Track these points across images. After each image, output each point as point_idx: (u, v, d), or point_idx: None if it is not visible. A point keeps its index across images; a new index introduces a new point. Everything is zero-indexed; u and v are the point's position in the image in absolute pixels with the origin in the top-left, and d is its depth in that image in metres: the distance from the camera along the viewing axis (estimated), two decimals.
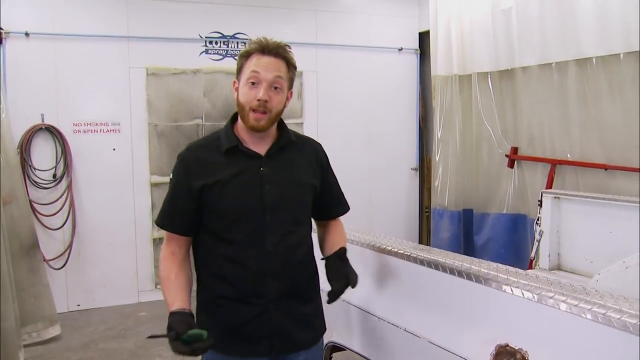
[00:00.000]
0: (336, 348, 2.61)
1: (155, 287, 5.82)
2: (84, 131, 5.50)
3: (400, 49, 6.73)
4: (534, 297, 1.53)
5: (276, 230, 1.96)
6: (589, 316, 1.39)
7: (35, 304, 4.74)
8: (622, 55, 4.40)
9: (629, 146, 4.41)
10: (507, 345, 1.60)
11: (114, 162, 5.64)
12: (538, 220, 4.07)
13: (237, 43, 6.02)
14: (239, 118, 2.00)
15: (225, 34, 5.98)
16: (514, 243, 5.50)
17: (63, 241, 5.45)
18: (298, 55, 2.03)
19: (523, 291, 1.57)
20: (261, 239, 1.95)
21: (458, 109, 5.99)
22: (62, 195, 5.39)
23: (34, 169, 5.28)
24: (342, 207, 2.22)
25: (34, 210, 5.20)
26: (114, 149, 5.64)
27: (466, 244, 5.95)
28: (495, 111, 5.67)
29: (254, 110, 1.90)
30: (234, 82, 1.99)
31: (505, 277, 1.66)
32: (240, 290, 1.97)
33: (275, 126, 2.02)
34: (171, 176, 2.03)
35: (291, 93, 2.03)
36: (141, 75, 5.67)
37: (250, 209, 1.94)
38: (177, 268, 1.97)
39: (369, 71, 6.63)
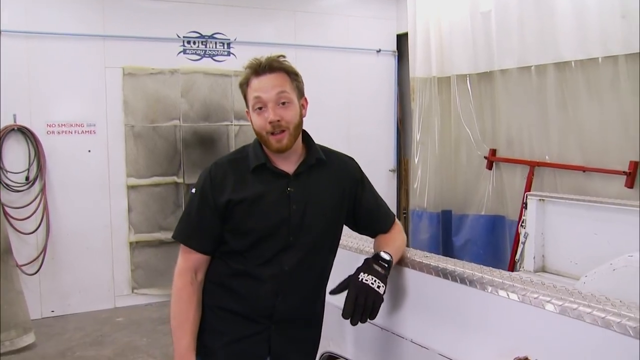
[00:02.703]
0: (332, 358, 2.57)
1: (132, 291, 5.71)
2: (58, 132, 5.36)
3: (379, 51, 6.74)
4: (555, 308, 1.52)
5: (296, 251, 1.92)
6: (616, 329, 1.38)
7: (8, 312, 4.59)
8: (600, 60, 4.48)
9: (606, 149, 4.50)
10: (526, 358, 1.59)
11: (90, 164, 5.51)
12: (523, 222, 4.11)
13: (216, 43, 5.94)
14: None
15: (203, 33, 5.89)
16: (492, 244, 5.55)
17: (36, 245, 5.30)
18: None
19: (543, 302, 1.55)
20: (280, 258, 1.91)
21: (437, 111, 6.00)
22: (36, 198, 5.24)
23: (6, 171, 5.14)
24: (383, 222, 2.12)
25: (6, 214, 5.05)
26: (89, 151, 5.51)
27: (445, 245, 5.97)
28: (474, 113, 5.69)
29: (272, 134, 1.85)
30: (247, 112, 1.94)
31: (522, 286, 1.65)
32: (248, 307, 1.94)
33: (301, 143, 1.98)
34: (194, 190, 1.96)
35: (306, 100, 1.98)
36: (117, 75, 5.54)
37: (277, 228, 1.90)
38: (195, 307, 1.94)
39: (347, 73, 6.62)
